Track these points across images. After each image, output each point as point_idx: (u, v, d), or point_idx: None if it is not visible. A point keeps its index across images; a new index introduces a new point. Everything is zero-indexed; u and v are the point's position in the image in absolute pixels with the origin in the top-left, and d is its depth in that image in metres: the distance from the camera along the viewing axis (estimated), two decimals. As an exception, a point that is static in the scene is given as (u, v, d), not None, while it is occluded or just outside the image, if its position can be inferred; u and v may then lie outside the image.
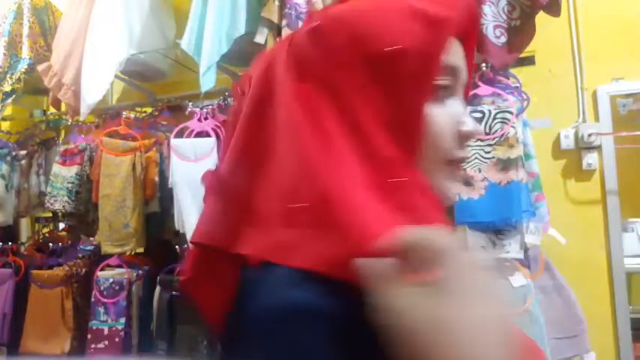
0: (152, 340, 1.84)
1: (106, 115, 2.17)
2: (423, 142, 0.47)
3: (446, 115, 0.48)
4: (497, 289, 0.36)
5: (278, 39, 1.73)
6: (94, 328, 1.85)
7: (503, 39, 1.49)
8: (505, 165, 1.44)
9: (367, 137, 0.43)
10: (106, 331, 1.84)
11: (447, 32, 0.45)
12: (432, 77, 0.46)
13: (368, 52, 0.44)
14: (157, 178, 1.91)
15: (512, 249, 1.43)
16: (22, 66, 2.19)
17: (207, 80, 1.71)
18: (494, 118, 1.47)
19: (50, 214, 2.33)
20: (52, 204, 1.99)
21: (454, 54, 0.49)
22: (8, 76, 2.20)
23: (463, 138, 0.49)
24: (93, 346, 1.83)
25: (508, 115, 1.46)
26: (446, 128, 0.48)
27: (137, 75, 2.16)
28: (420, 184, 0.44)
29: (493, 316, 0.34)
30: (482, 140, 1.48)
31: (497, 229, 1.45)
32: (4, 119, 2.62)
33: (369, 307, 0.36)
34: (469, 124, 0.49)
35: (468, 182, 1.46)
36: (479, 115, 1.49)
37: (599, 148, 1.72)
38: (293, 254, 0.41)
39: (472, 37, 0.52)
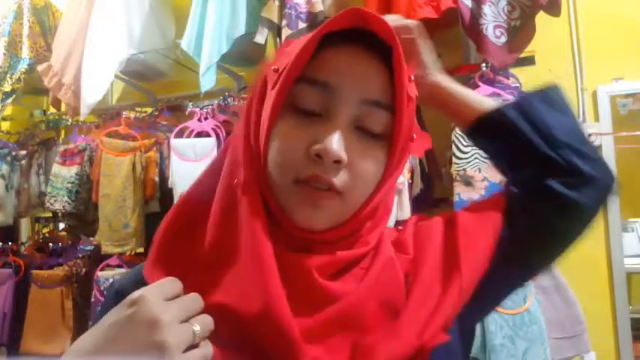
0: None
1: (106, 115, 2.17)
2: (268, 159, 0.47)
3: (298, 132, 0.46)
4: None
5: (278, 39, 1.73)
6: (94, 328, 1.85)
7: (504, 39, 1.49)
8: (505, 165, 1.44)
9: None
10: (106, 331, 1.84)
11: (298, 48, 0.45)
12: (278, 92, 0.45)
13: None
14: (156, 178, 1.91)
15: (512, 249, 1.43)
16: (22, 66, 2.19)
17: (207, 80, 1.71)
18: (494, 118, 1.47)
19: (50, 214, 2.33)
20: (52, 204, 1.99)
21: (323, 69, 0.46)
22: (8, 76, 2.21)
23: (312, 156, 0.45)
24: (93, 346, 1.83)
25: (508, 115, 1.46)
26: (293, 145, 0.45)
27: (137, 75, 2.16)
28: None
29: None
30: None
31: (497, 229, 1.45)
32: (4, 119, 2.62)
33: None
34: (324, 142, 0.44)
35: (468, 182, 1.46)
36: (479, 115, 1.48)
37: (599, 148, 1.72)
38: None
39: (392, 44, 0.46)
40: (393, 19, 0.54)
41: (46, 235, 2.49)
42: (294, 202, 0.46)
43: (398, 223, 1.44)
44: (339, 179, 0.45)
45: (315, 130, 0.45)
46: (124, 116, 2.03)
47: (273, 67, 0.49)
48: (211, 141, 1.78)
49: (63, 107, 2.28)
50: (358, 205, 0.48)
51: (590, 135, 1.71)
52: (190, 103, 1.88)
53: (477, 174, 1.46)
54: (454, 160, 1.49)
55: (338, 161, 0.44)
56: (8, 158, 2.28)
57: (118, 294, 0.50)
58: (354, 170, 0.46)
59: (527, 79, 1.66)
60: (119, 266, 1.91)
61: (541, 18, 1.50)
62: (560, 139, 0.57)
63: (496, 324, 1.34)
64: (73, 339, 1.95)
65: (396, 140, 0.48)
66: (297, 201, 0.46)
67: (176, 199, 1.74)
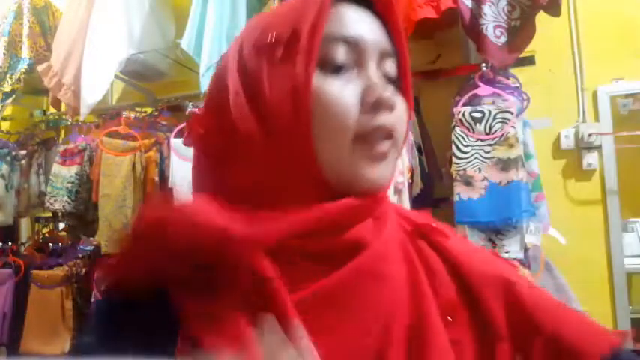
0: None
1: (106, 115, 2.17)
2: (314, 120, 0.44)
3: (343, 87, 0.45)
4: None
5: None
6: (94, 328, 1.85)
7: (503, 39, 1.49)
8: (505, 165, 1.44)
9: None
10: (106, 331, 1.84)
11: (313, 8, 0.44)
12: (307, 53, 0.44)
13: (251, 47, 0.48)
14: (156, 178, 1.90)
15: (512, 249, 1.43)
16: (22, 66, 2.19)
17: (207, 80, 1.71)
18: (494, 118, 1.47)
19: (50, 214, 2.33)
20: (52, 204, 1.99)
21: (347, 24, 0.46)
22: (8, 76, 2.21)
23: (370, 106, 0.44)
24: (93, 346, 1.83)
25: (508, 115, 1.46)
26: (343, 101, 0.44)
27: (137, 75, 2.16)
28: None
29: None
30: (482, 140, 1.48)
31: (497, 229, 1.45)
32: (4, 119, 2.62)
33: None
34: (377, 91, 0.44)
35: (468, 182, 1.46)
36: (479, 115, 1.49)
37: (599, 148, 1.72)
38: None
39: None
40: None
41: (46, 235, 2.49)
42: (358, 162, 0.44)
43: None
44: (392, 125, 0.46)
45: (356, 83, 0.46)
46: (124, 116, 2.03)
47: (271, 37, 0.46)
48: (211, 141, 1.78)
49: (63, 107, 2.28)
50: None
51: (590, 135, 1.71)
52: (190, 103, 1.88)
53: (477, 174, 1.46)
54: (454, 160, 1.49)
55: (392, 107, 0.45)
56: (8, 158, 2.28)
57: None
58: (397, 114, 0.47)
59: (527, 79, 1.66)
60: (119, 266, 1.91)
61: (541, 18, 1.50)
62: None
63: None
64: (73, 339, 1.96)
65: (407, 83, 0.50)
66: (362, 158, 0.44)
67: (176, 199, 1.75)
